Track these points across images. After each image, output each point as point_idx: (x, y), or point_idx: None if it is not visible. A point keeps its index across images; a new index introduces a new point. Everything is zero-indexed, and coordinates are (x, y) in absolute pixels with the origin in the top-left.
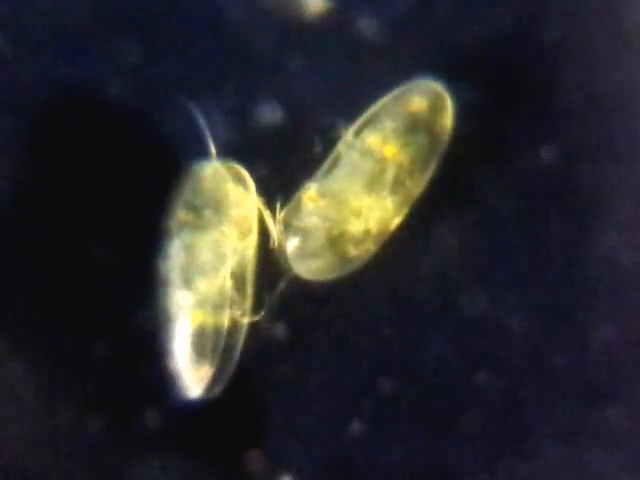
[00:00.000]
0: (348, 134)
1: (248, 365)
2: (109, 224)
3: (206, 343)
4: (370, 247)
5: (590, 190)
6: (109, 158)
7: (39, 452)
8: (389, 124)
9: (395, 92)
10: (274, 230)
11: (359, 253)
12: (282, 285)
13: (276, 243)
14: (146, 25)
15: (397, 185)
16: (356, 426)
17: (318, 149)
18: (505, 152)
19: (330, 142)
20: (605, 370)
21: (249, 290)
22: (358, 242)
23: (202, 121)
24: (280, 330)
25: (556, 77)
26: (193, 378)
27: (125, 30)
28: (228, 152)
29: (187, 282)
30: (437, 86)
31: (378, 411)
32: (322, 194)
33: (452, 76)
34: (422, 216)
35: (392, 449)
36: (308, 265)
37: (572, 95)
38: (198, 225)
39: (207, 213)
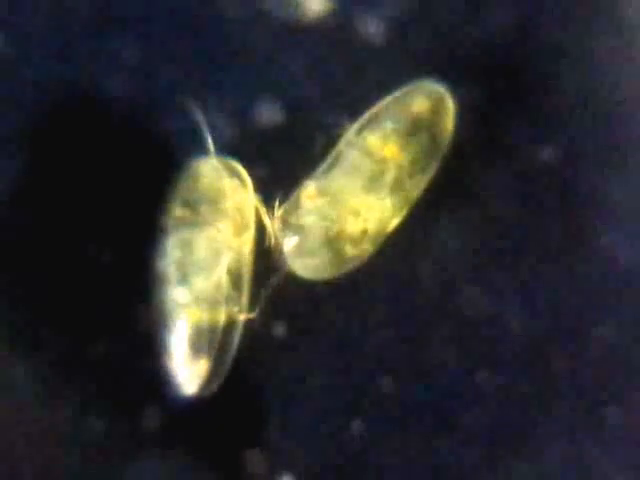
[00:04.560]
0: (349, 133)
1: (248, 365)
2: (106, 221)
3: (202, 340)
4: (367, 247)
5: (590, 190)
6: (107, 156)
7: (39, 452)
8: (390, 125)
9: (397, 93)
10: (271, 227)
11: (356, 253)
12: (276, 282)
13: (273, 240)
14: (146, 25)
15: (397, 186)
16: (356, 426)
17: (318, 149)
18: (505, 152)
19: (330, 141)
20: (605, 370)
21: (246, 287)
22: (355, 242)
23: (200, 118)
24: (279, 330)
25: (556, 77)
26: (189, 375)
27: (125, 30)
28: (228, 151)
29: (183, 279)
30: (440, 88)
31: (378, 411)
32: (321, 192)
33: (452, 76)
34: (422, 216)
35: (392, 449)
36: (305, 263)
37: (572, 95)
38: (194, 222)
39: (203, 209)
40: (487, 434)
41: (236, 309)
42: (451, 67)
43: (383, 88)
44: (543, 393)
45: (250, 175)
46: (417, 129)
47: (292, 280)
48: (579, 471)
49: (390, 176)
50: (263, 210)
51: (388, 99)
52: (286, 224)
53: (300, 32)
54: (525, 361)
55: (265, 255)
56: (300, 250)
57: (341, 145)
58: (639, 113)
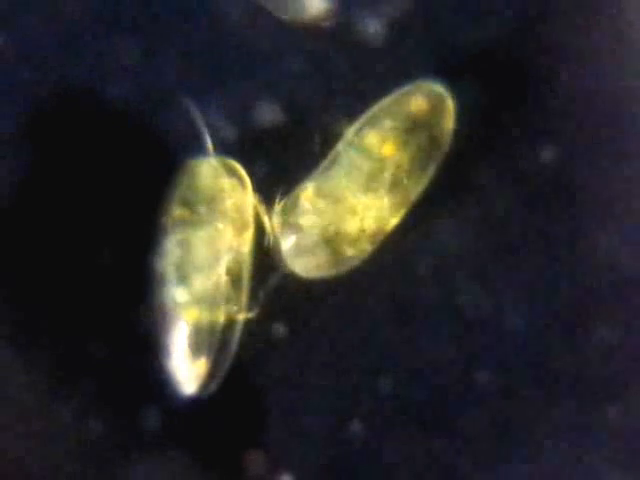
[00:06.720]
0: (348, 133)
1: (248, 365)
2: (106, 221)
3: (202, 339)
4: (365, 247)
5: (590, 190)
6: (107, 156)
7: (39, 452)
8: (388, 123)
9: (397, 93)
10: (270, 227)
11: (354, 252)
12: (275, 281)
13: (271, 240)
14: (146, 25)
15: (395, 185)
16: (356, 426)
17: (317, 148)
18: (505, 152)
19: (329, 141)
20: (605, 370)
21: (245, 287)
22: (353, 241)
23: (199, 118)
24: (279, 330)
25: (556, 77)
26: (189, 374)
27: (125, 30)
28: (228, 151)
29: (183, 279)
30: (439, 88)
31: (378, 411)
32: (319, 192)
33: (452, 76)
34: (422, 216)
35: (392, 449)
36: (303, 262)
37: (572, 95)
38: (194, 221)
39: (202, 209)
40: (487, 434)
41: (235, 309)
42: (451, 67)
43: (382, 88)
44: (543, 393)
45: (250, 175)
46: (415, 128)
47: (291, 280)
48: (579, 471)
49: (388, 175)
50: (262, 210)
51: (387, 99)
52: (285, 223)
53: (300, 32)
54: (525, 361)
55: (264, 255)
56: (299, 249)
57: (340, 144)
58: (639, 113)
